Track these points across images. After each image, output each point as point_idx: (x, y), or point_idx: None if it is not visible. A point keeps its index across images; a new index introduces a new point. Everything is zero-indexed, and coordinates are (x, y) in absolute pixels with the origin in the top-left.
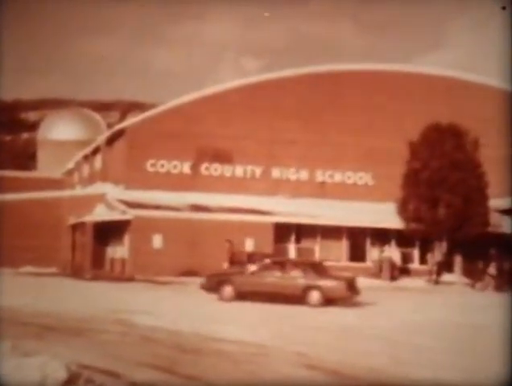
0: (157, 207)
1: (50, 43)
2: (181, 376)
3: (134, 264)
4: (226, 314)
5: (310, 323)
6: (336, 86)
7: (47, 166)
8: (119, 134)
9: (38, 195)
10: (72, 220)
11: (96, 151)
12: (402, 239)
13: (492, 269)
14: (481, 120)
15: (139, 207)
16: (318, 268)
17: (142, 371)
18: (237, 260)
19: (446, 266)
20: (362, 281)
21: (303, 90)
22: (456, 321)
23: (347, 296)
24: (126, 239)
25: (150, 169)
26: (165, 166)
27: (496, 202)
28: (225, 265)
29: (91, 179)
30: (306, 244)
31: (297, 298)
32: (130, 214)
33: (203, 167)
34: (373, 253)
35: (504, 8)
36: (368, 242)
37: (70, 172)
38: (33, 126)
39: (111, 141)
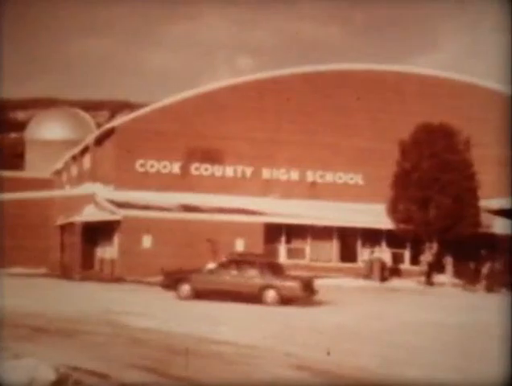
0: (146, 208)
1: (39, 43)
2: (172, 378)
3: (124, 265)
4: (217, 315)
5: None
6: (328, 86)
7: (35, 166)
8: (108, 134)
9: (26, 195)
10: (60, 221)
11: (85, 151)
12: (392, 239)
13: (485, 269)
14: (473, 120)
15: (129, 207)
16: (275, 268)
17: (132, 373)
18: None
19: (437, 267)
20: (352, 282)
21: (294, 90)
22: (441, 321)
23: (303, 296)
24: (116, 239)
25: (139, 169)
26: (155, 166)
27: (488, 202)
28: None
29: (80, 179)
30: (296, 244)
31: (253, 297)
32: (120, 214)
33: (193, 167)
34: (363, 254)
35: None
36: (359, 243)
37: (59, 172)
38: (21, 125)
39: (100, 140)
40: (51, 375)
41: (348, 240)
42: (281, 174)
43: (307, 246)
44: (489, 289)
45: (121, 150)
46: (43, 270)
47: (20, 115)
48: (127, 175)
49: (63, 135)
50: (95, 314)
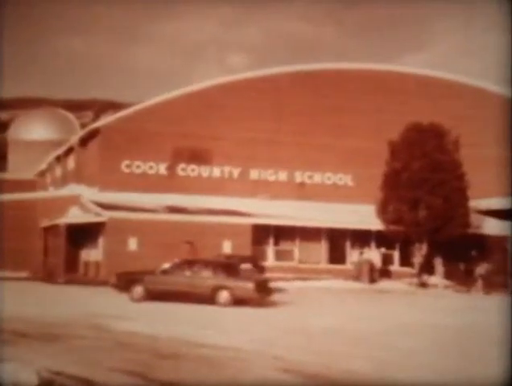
0: (132, 209)
1: (24, 42)
2: (157, 382)
3: (109, 268)
4: (205, 318)
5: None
6: (316, 86)
7: (18, 167)
8: (93, 134)
9: (9, 197)
10: (44, 223)
11: (69, 152)
12: (382, 240)
13: (480, 270)
14: (463, 119)
15: (114, 208)
16: (229, 269)
17: (116, 377)
18: None
19: (427, 268)
20: (340, 284)
21: (283, 90)
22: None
23: (256, 296)
24: (101, 241)
25: (125, 170)
26: (141, 166)
27: (478, 203)
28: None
29: (64, 181)
30: (285, 246)
31: (206, 298)
32: (105, 216)
33: (179, 168)
34: (353, 255)
35: None
36: (348, 244)
37: (42, 173)
38: (4, 126)
39: (85, 141)
40: (34, 380)
41: (338, 241)
42: (269, 175)
43: (296, 248)
44: (487, 290)
45: (107, 151)
46: (26, 274)
47: (3, 115)
48: (112, 176)
49: (46, 136)
50: (79, 318)
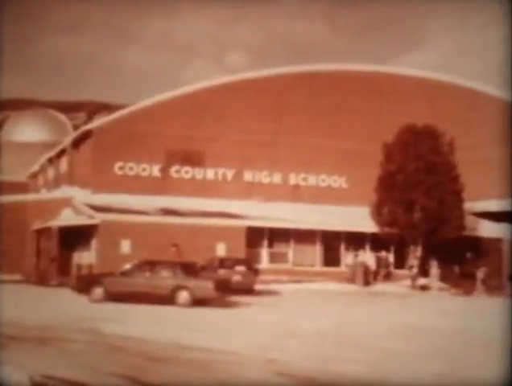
0: (125, 212)
1: (14, 42)
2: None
3: (102, 270)
4: (196, 321)
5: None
6: (311, 87)
7: (10, 169)
8: (86, 136)
9: (1, 199)
10: (36, 225)
11: (61, 153)
12: (377, 243)
13: (479, 273)
14: (459, 121)
15: (107, 211)
16: (188, 269)
17: (109, 381)
18: (209, 265)
19: (422, 270)
20: (335, 287)
21: (277, 91)
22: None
23: (216, 296)
24: (94, 244)
25: (118, 172)
26: (134, 168)
27: (473, 205)
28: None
29: (56, 183)
30: (279, 248)
31: (166, 299)
32: (98, 218)
33: (173, 170)
34: (347, 258)
35: None
36: (342, 246)
37: (34, 175)
38: None
39: (77, 143)
40: (26, 384)
41: (332, 243)
42: (263, 177)
43: (290, 250)
44: (488, 293)
45: (99, 153)
46: (18, 276)
47: None
48: (105, 178)
49: (39, 137)
50: (71, 321)
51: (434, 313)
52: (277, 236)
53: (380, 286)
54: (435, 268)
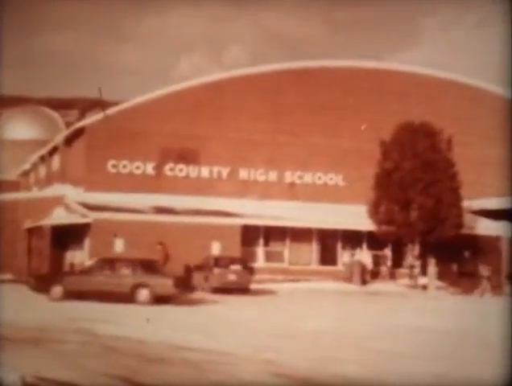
0: (119, 210)
1: (6, 38)
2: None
3: None
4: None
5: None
6: (307, 84)
7: (1, 167)
8: (78, 133)
9: None
10: (28, 224)
11: (53, 151)
12: (374, 242)
13: (484, 271)
14: (457, 118)
15: (100, 209)
16: (148, 266)
17: (103, 382)
18: (204, 264)
19: (420, 269)
20: (331, 286)
21: (272, 88)
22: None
23: (176, 293)
24: (86, 243)
25: (111, 170)
26: (127, 166)
27: (470, 203)
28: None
29: (48, 181)
30: (275, 247)
31: (126, 297)
32: (90, 217)
33: (167, 168)
34: (344, 257)
35: None
36: (339, 245)
37: (26, 173)
38: None
39: (70, 140)
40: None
41: (328, 242)
42: (258, 175)
43: (286, 249)
44: (493, 292)
45: (92, 150)
46: (8, 276)
47: None
48: (98, 176)
49: (30, 135)
50: (63, 321)
51: (432, 312)
52: (273, 234)
53: (377, 285)
54: (432, 267)
